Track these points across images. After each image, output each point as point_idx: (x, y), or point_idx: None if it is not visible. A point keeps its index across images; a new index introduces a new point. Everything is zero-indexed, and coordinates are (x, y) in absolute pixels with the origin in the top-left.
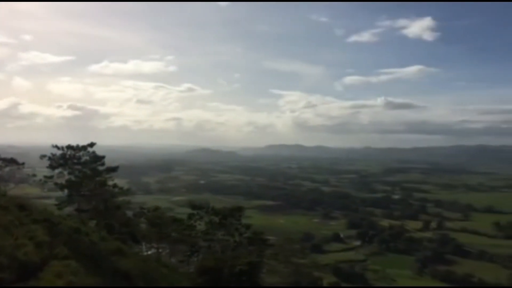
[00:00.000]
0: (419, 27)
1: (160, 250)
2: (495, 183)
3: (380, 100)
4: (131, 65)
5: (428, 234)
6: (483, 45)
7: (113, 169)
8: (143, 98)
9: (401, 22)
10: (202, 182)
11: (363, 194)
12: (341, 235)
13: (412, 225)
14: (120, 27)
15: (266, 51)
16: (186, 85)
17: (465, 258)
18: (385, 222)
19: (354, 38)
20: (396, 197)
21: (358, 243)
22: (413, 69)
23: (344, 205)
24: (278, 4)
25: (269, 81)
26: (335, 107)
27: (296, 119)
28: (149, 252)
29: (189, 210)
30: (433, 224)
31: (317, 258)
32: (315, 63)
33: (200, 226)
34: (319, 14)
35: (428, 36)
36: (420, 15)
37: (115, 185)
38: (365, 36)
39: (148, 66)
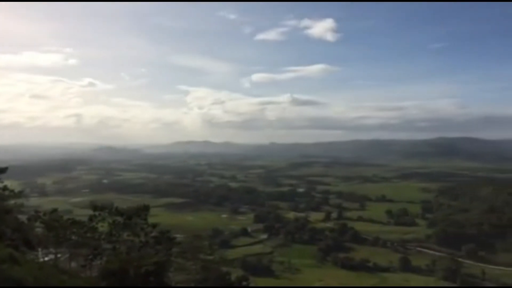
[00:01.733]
0: (322, 27)
1: (58, 255)
2: (387, 174)
3: (286, 97)
4: (25, 57)
5: (329, 224)
6: (378, 46)
7: (1, 170)
8: (38, 93)
9: (306, 22)
10: (105, 181)
11: (270, 189)
12: (249, 229)
13: (315, 216)
14: (11, 15)
15: (173, 46)
16: (88, 80)
17: (362, 245)
18: (291, 215)
19: (261, 36)
20: (300, 190)
21: (265, 236)
22: (316, 67)
23: (251, 200)
24: None
25: (176, 77)
26: (242, 104)
27: (204, 116)
28: (46, 258)
29: (90, 212)
30: (334, 215)
31: (225, 253)
32: (223, 59)
33: (103, 227)
34: (228, 11)
35: (330, 37)
36: (323, 16)
37: (5, 187)
38: (272, 35)
39: (44, 59)
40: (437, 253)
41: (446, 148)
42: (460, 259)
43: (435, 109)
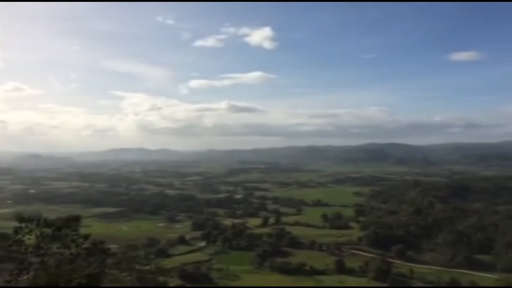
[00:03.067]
0: (260, 36)
1: None
2: (323, 179)
3: (224, 104)
4: None
5: (267, 230)
6: (314, 55)
7: None
8: None
9: (244, 30)
10: (32, 191)
11: (208, 195)
12: (187, 237)
13: (253, 222)
14: None
15: (108, 50)
16: (13, 84)
17: (299, 249)
18: (229, 221)
19: (200, 42)
20: (238, 196)
21: (203, 243)
22: (254, 75)
23: (189, 207)
24: (122, 2)
25: (110, 82)
26: (180, 110)
27: (140, 122)
28: None
29: (16, 224)
30: (272, 220)
31: (162, 262)
32: (161, 65)
33: (30, 240)
34: (166, 16)
35: (268, 45)
36: (261, 25)
37: None
38: (210, 41)
39: None
40: (369, 255)
41: (377, 153)
42: (390, 260)
43: (367, 116)
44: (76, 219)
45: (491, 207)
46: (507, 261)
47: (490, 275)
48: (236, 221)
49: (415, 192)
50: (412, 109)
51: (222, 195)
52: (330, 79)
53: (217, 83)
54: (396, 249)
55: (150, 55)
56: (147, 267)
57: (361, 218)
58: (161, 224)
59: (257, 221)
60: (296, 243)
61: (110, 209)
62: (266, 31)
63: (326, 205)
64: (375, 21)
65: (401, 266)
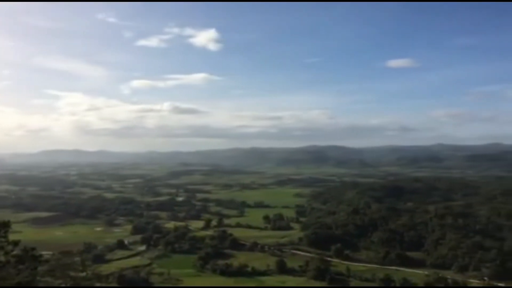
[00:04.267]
0: (205, 37)
1: None
2: (265, 181)
3: (166, 105)
4: None
5: (209, 232)
6: (258, 58)
7: None
8: None
9: (189, 31)
10: None
11: (148, 198)
12: (126, 242)
13: (195, 224)
14: None
15: (44, 47)
16: None
17: (240, 251)
18: (170, 224)
19: (143, 42)
20: (180, 199)
21: (143, 247)
22: (198, 76)
23: (129, 211)
24: None
25: (45, 81)
26: (120, 111)
27: (77, 123)
28: None
29: None
30: (214, 222)
31: (99, 268)
32: (101, 64)
33: None
34: (107, 14)
35: (213, 47)
36: (206, 26)
37: None
38: (154, 41)
39: None
40: (309, 254)
41: (317, 155)
42: (329, 259)
43: (309, 119)
44: (5, 224)
45: (421, 207)
46: (436, 258)
47: (420, 271)
48: (178, 224)
49: (353, 193)
50: (351, 112)
51: (163, 198)
52: (273, 82)
53: (160, 83)
54: (334, 248)
55: (90, 54)
56: (83, 274)
57: (302, 219)
58: (98, 229)
59: (199, 223)
60: (238, 245)
61: (43, 214)
62: (211, 33)
63: (268, 206)
64: (317, 26)
65: (339, 264)
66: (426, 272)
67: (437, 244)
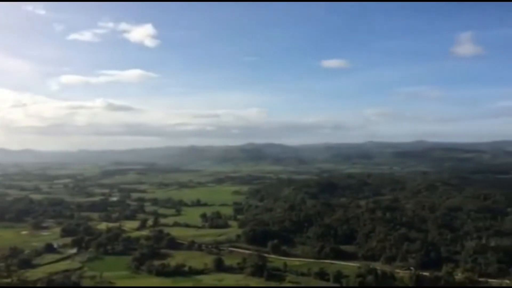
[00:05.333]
0: (141, 33)
1: None
2: (203, 179)
3: (99, 102)
4: None
5: (145, 232)
6: (196, 55)
7: None
8: None
9: (124, 26)
10: None
11: (79, 199)
12: (55, 245)
13: (130, 225)
14: None
15: None
16: None
17: (178, 250)
18: (103, 225)
19: (74, 36)
20: (114, 199)
21: (74, 250)
22: (134, 72)
23: (58, 213)
24: None
25: None
26: (48, 107)
27: (0, 120)
28: None
29: None
30: (150, 222)
31: (26, 274)
32: (28, 58)
33: None
34: (36, 6)
35: (149, 42)
36: (142, 21)
37: None
38: (86, 36)
39: None
40: (246, 251)
41: (255, 153)
42: (266, 255)
43: (246, 117)
44: None
45: (354, 201)
46: (367, 250)
47: (352, 264)
48: (111, 225)
49: (289, 189)
50: (288, 111)
51: (95, 198)
52: (211, 80)
53: (92, 79)
54: (271, 244)
55: (15, 47)
56: (8, 280)
57: (239, 216)
58: (25, 232)
59: (134, 224)
60: (175, 245)
61: None
62: (148, 28)
63: (205, 204)
64: (254, 26)
65: (276, 260)
66: (358, 264)
67: (368, 237)
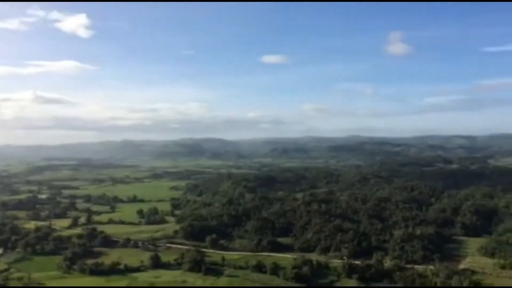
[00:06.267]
0: (74, 22)
1: None
2: (139, 175)
3: (27, 94)
4: None
5: (77, 231)
6: (132, 47)
7: None
8: None
9: (56, 15)
10: None
11: (4, 197)
12: None
13: (60, 223)
14: None
15: None
16: None
17: (112, 248)
18: (31, 225)
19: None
20: (43, 196)
21: None
22: (67, 64)
23: None
24: None
25: None
26: None
27: None
28: None
29: None
30: (82, 220)
31: None
32: None
33: None
34: None
35: (83, 33)
36: (75, 11)
37: None
38: (13, 23)
39: None
40: (184, 247)
41: (194, 148)
42: (204, 250)
43: (186, 111)
44: None
45: (291, 195)
46: (303, 242)
47: (289, 255)
48: (41, 223)
49: (228, 184)
50: (228, 105)
51: (23, 196)
52: (150, 73)
53: (20, 70)
54: (209, 239)
55: None
56: None
57: (177, 212)
58: None
59: (65, 222)
60: (109, 242)
61: None
62: (81, 18)
63: (142, 201)
64: (194, 20)
65: (214, 255)
66: (294, 256)
67: (304, 229)
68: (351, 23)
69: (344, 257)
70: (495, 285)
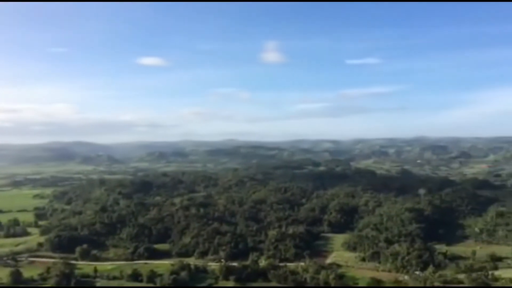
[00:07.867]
0: None
1: None
2: None
3: None
4: None
5: None
6: None
7: None
8: None
9: None
10: None
11: None
12: None
13: None
14: None
15: None
16: None
17: None
18: None
19: None
20: None
21: None
22: None
23: None
24: None
25: None
26: None
27: None
28: None
29: None
30: None
31: None
32: None
33: None
34: None
35: None
36: None
37: None
38: None
39: None
40: (51, 260)
41: (61, 152)
42: (74, 262)
43: (51, 113)
44: None
45: (169, 200)
46: (181, 247)
47: (166, 262)
48: None
49: (101, 190)
50: (101, 107)
51: None
52: (11, 71)
53: None
54: (80, 250)
55: None
56: None
57: (42, 222)
58: None
59: None
60: None
61: None
62: None
63: (0, 211)
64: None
65: (85, 266)
66: (172, 262)
67: (182, 234)
68: (229, 28)
69: (222, 260)
70: (357, 276)
